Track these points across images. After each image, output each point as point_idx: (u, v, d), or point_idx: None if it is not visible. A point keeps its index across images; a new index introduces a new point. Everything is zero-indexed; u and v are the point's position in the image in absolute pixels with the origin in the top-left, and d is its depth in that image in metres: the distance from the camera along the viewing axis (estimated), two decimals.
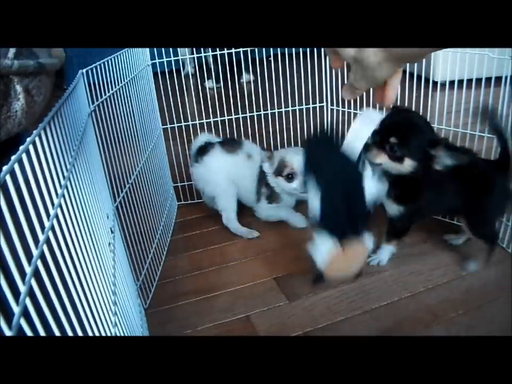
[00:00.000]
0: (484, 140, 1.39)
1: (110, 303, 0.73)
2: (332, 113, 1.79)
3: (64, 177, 0.56)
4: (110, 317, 0.71)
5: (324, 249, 1.02)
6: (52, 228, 0.50)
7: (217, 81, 2.94)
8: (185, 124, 1.69)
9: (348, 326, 1.13)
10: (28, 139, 0.42)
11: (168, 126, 1.66)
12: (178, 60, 1.69)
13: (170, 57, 1.68)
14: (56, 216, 0.50)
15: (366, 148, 1.10)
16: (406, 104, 1.52)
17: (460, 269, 1.31)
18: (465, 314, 1.15)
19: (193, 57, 1.77)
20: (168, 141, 1.66)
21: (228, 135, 1.72)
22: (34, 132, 0.46)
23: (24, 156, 0.42)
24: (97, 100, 1.03)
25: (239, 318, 1.19)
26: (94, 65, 1.01)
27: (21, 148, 0.42)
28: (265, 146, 1.77)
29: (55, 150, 0.55)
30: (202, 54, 1.69)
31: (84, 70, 0.91)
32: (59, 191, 0.53)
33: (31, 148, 0.44)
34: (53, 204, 0.50)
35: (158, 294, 1.29)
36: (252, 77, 3.16)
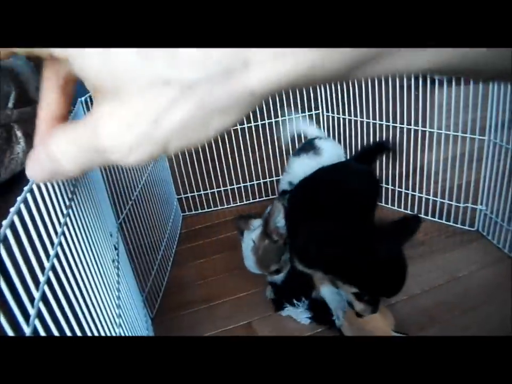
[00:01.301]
0: (466, 140, 1.44)
1: (115, 316, 0.77)
2: (328, 121, 1.83)
3: (66, 206, 0.61)
4: (114, 329, 0.76)
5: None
6: (57, 255, 0.55)
7: None
8: None
9: None
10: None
11: None
12: None
13: None
14: (60, 244, 0.55)
15: None
16: (405, 105, 1.53)
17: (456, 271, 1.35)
18: (460, 315, 1.18)
19: None
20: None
21: (221, 148, 1.77)
22: None
23: (28, 195, 0.47)
24: None
25: (241, 325, 1.23)
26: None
27: (25, 188, 0.47)
28: (264, 157, 1.82)
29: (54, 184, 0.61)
30: None
31: (83, 98, 0.96)
32: (62, 219, 0.58)
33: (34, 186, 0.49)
34: (56, 233, 0.55)
35: (164, 304, 1.34)
36: None
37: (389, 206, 1.70)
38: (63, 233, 0.57)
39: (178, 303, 1.35)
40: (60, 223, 0.57)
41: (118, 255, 0.97)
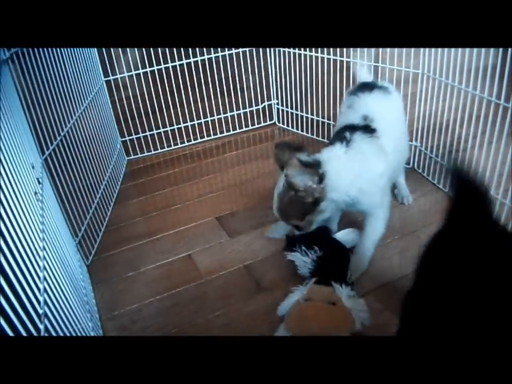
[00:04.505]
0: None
1: (38, 250, 0.75)
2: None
3: None
4: (38, 261, 0.73)
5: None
6: None
7: None
8: (129, 73, 1.68)
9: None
10: None
11: (111, 77, 1.65)
12: None
13: None
14: None
15: None
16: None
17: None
18: (400, 239, 1.24)
19: None
20: (112, 94, 1.65)
21: (166, 86, 1.72)
22: None
23: None
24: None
25: (181, 257, 1.26)
26: None
27: None
28: (210, 95, 1.78)
29: None
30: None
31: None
32: None
33: None
34: None
35: (103, 241, 1.35)
36: None
37: None
38: None
39: (117, 240, 1.35)
40: None
41: (42, 189, 0.94)
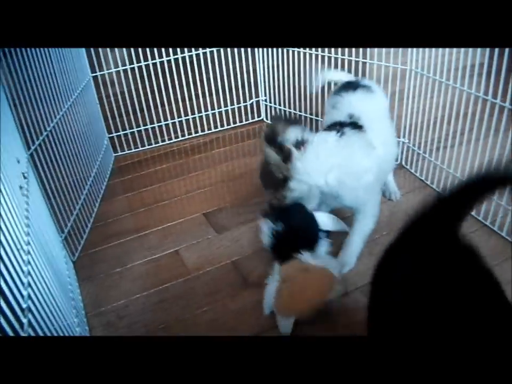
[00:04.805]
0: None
1: (23, 244, 0.74)
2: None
3: None
4: (22, 256, 0.73)
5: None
6: None
7: None
8: (116, 69, 1.66)
9: None
10: None
11: (98, 73, 1.63)
12: None
13: None
14: None
15: None
16: None
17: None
18: (388, 234, 1.23)
19: None
20: (99, 91, 1.64)
21: (154, 84, 1.71)
22: None
23: None
24: None
25: (168, 253, 1.25)
26: None
27: None
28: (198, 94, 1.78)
29: None
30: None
31: None
32: None
33: None
34: None
35: (90, 237, 1.34)
36: None
37: None
38: None
39: (103, 236, 1.34)
40: None
41: (27, 184, 0.93)
